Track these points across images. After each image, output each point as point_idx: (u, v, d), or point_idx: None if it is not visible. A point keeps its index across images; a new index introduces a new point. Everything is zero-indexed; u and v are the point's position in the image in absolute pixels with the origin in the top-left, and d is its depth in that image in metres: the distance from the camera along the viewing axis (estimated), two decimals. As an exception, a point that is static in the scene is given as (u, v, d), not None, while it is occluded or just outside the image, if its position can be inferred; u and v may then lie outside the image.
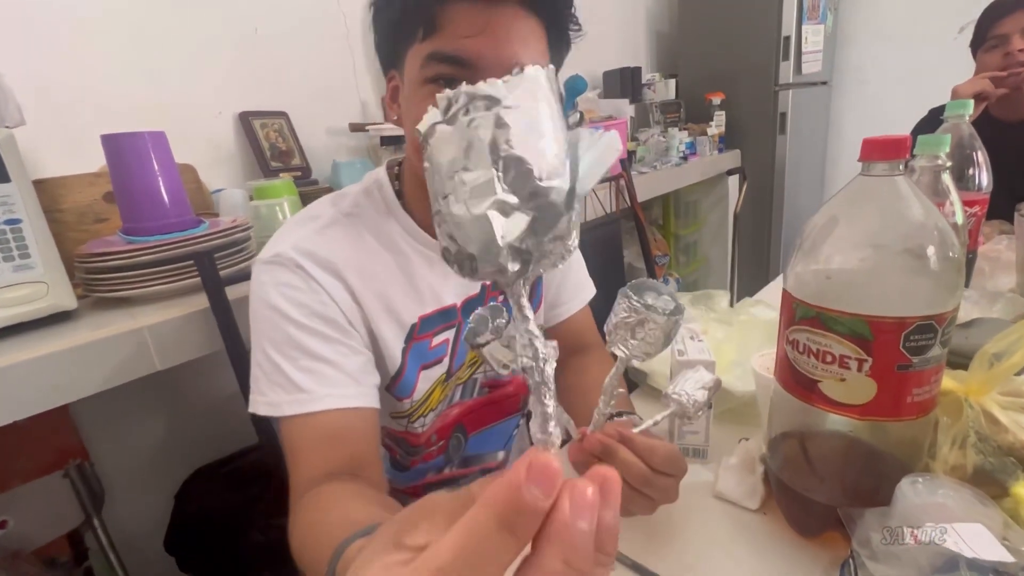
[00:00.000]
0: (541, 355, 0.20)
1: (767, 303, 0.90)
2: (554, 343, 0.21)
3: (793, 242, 0.47)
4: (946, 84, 1.24)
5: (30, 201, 0.69)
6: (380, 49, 0.59)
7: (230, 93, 1.26)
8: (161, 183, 0.79)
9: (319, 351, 0.55)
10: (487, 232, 0.18)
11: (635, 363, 0.42)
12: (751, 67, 2.27)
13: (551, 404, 0.20)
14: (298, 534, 0.46)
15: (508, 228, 0.18)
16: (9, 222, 0.67)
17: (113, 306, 0.80)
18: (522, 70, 0.19)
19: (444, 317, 0.65)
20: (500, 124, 0.18)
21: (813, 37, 2.28)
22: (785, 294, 0.47)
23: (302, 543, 0.45)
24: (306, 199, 1.07)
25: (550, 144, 0.19)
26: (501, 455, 0.81)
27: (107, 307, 0.80)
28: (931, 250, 0.40)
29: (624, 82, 2.07)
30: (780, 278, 0.90)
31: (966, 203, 0.76)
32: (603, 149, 0.20)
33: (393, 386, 0.63)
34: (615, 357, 0.42)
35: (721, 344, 0.78)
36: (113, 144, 0.76)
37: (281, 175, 1.25)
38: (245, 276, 0.75)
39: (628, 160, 1.81)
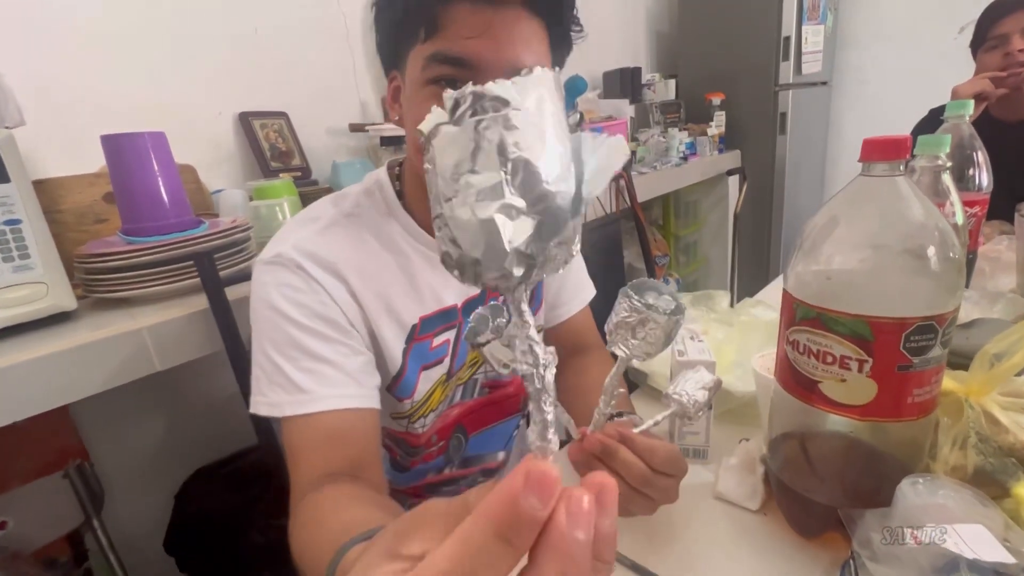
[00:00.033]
0: (541, 361, 0.20)
1: (767, 303, 0.90)
2: (552, 348, 0.21)
3: (793, 242, 0.46)
4: (946, 84, 1.24)
5: (30, 202, 0.69)
6: (382, 49, 0.59)
7: (230, 93, 1.26)
8: (161, 183, 0.79)
9: (320, 351, 0.55)
10: (494, 237, 0.18)
11: (635, 363, 0.42)
12: (751, 67, 2.27)
13: (551, 411, 0.20)
14: (298, 537, 0.46)
15: (515, 233, 0.18)
16: (9, 223, 0.67)
17: (113, 307, 0.80)
18: (531, 71, 0.19)
19: (445, 318, 0.65)
20: (509, 126, 0.18)
21: (813, 37, 2.28)
22: (785, 295, 0.47)
23: (302, 546, 0.45)
24: (306, 199, 1.07)
25: (557, 147, 0.19)
26: (501, 455, 0.81)
27: (107, 308, 0.80)
28: (931, 250, 0.40)
29: (624, 82, 2.07)
30: (780, 278, 0.90)
31: (966, 203, 0.76)
32: (608, 153, 0.20)
33: (394, 387, 0.63)
34: (615, 357, 0.42)
35: (721, 344, 0.78)
36: (113, 144, 0.76)
37: (281, 175, 1.25)
38: (245, 277, 0.75)
39: (628, 160, 1.80)
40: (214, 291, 0.75)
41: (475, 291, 0.67)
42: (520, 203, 0.18)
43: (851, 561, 0.39)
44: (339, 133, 1.45)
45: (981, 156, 0.82)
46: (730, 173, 2.32)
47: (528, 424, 0.55)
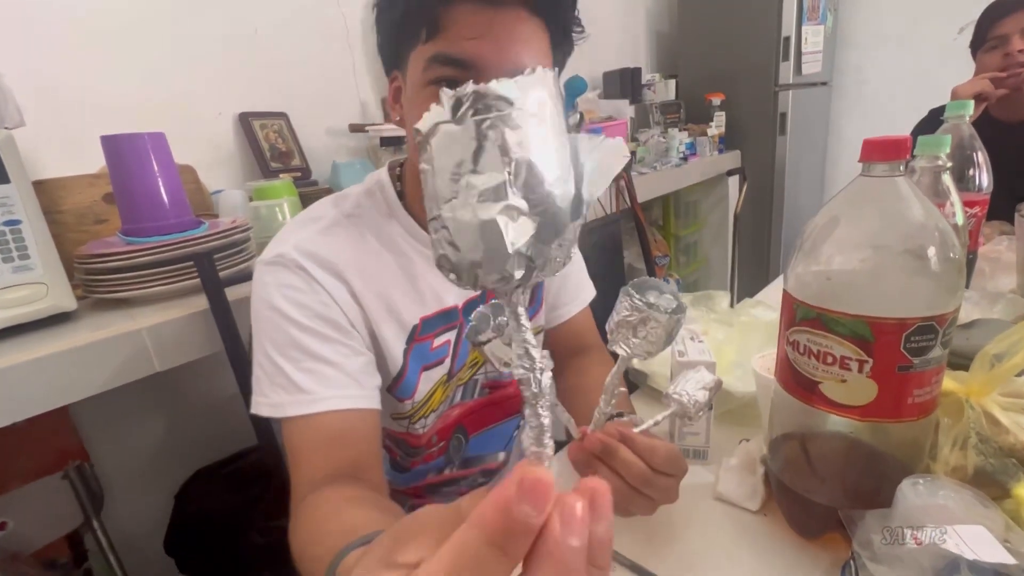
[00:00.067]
0: (538, 365, 0.19)
1: (767, 304, 0.90)
2: (546, 352, 0.20)
3: (793, 243, 0.46)
4: (946, 85, 1.24)
5: (30, 202, 0.69)
6: (383, 50, 0.59)
7: (230, 93, 1.26)
8: (161, 184, 0.79)
9: (321, 352, 0.55)
10: (496, 238, 0.17)
11: (636, 363, 0.42)
12: (751, 67, 2.27)
13: (546, 416, 0.19)
14: (298, 539, 0.46)
15: (517, 234, 0.18)
16: (9, 223, 0.67)
17: (113, 307, 0.80)
18: (533, 71, 0.18)
19: (445, 318, 0.65)
20: (512, 125, 0.17)
21: (813, 38, 2.29)
22: (785, 295, 0.47)
23: (302, 547, 0.45)
24: (306, 200, 1.07)
25: (557, 148, 0.18)
26: (502, 456, 0.81)
27: (107, 308, 0.80)
28: (932, 251, 0.40)
29: (624, 83, 2.07)
30: (780, 279, 0.90)
31: (966, 204, 0.76)
32: (607, 155, 0.20)
33: (394, 387, 0.63)
34: (616, 356, 0.42)
35: (722, 345, 0.78)
36: (113, 145, 0.76)
37: (281, 176, 1.25)
38: (245, 277, 0.75)
39: (628, 161, 1.81)
40: (214, 292, 0.75)
41: (478, 291, 0.67)
42: (522, 204, 0.18)
43: (851, 562, 0.39)
44: (339, 133, 1.45)
45: (981, 156, 0.82)
46: (730, 173, 2.32)
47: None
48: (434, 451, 0.71)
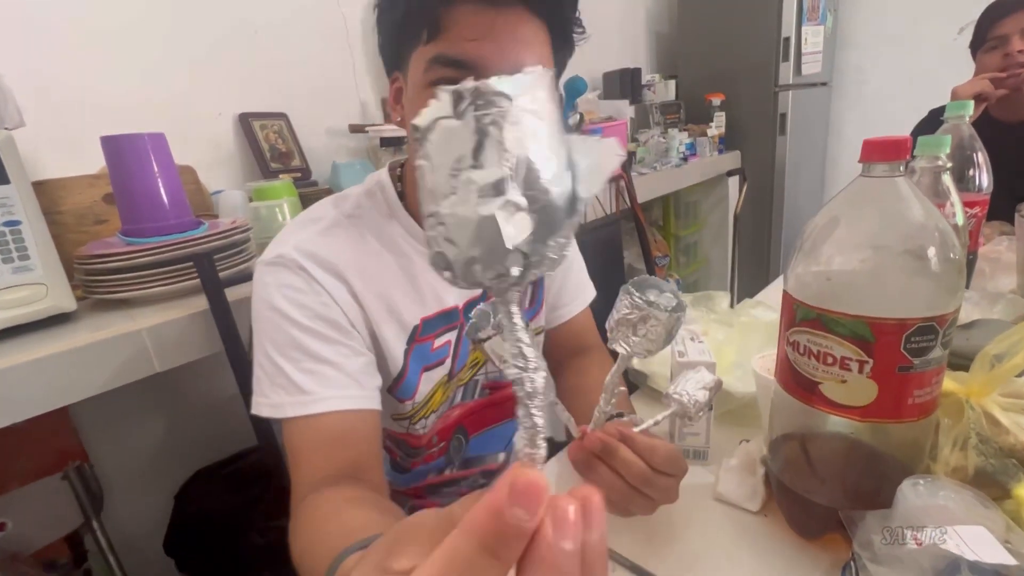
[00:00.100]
0: (532, 364, 0.19)
1: (768, 304, 0.90)
2: (538, 353, 0.20)
3: (793, 243, 0.46)
4: (946, 85, 1.24)
5: (29, 203, 0.69)
6: (384, 51, 0.59)
7: (230, 94, 1.26)
8: (160, 184, 0.79)
9: (321, 353, 0.55)
10: (495, 235, 0.17)
11: (635, 363, 0.42)
12: (751, 68, 2.27)
13: (540, 416, 0.19)
14: (298, 539, 0.46)
15: (516, 230, 0.18)
16: (9, 224, 0.67)
17: (112, 308, 0.80)
18: (532, 70, 0.19)
19: (446, 319, 0.65)
20: (512, 122, 0.17)
21: (813, 38, 2.29)
22: (786, 296, 0.47)
23: (301, 548, 0.45)
24: (306, 200, 1.07)
25: (555, 146, 0.18)
26: (502, 457, 0.81)
27: (106, 309, 0.80)
28: (932, 251, 0.40)
29: (624, 83, 2.08)
30: (780, 279, 0.90)
31: (966, 204, 0.76)
32: (602, 154, 0.20)
33: (395, 388, 0.63)
34: (615, 355, 0.42)
35: (722, 345, 0.78)
36: (113, 145, 0.76)
37: (281, 176, 1.25)
38: (245, 278, 0.75)
39: (628, 161, 1.81)
40: (214, 292, 0.75)
41: (476, 291, 0.67)
42: (522, 200, 0.18)
43: (852, 562, 0.39)
44: (339, 134, 1.45)
45: (981, 157, 0.83)
46: (730, 174, 2.32)
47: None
48: (434, 452, 0.71)
